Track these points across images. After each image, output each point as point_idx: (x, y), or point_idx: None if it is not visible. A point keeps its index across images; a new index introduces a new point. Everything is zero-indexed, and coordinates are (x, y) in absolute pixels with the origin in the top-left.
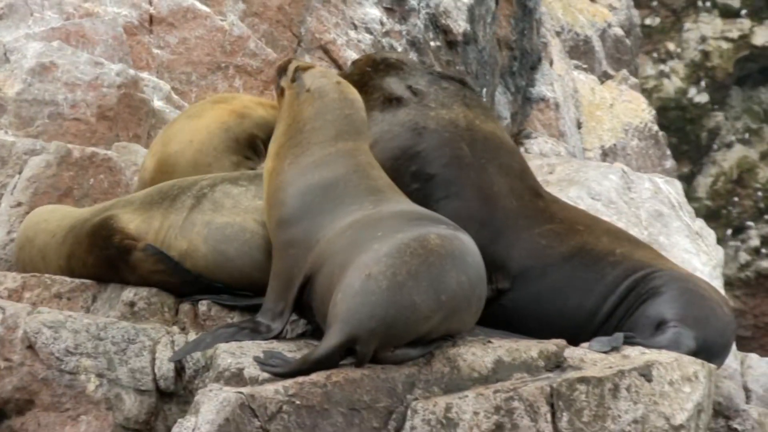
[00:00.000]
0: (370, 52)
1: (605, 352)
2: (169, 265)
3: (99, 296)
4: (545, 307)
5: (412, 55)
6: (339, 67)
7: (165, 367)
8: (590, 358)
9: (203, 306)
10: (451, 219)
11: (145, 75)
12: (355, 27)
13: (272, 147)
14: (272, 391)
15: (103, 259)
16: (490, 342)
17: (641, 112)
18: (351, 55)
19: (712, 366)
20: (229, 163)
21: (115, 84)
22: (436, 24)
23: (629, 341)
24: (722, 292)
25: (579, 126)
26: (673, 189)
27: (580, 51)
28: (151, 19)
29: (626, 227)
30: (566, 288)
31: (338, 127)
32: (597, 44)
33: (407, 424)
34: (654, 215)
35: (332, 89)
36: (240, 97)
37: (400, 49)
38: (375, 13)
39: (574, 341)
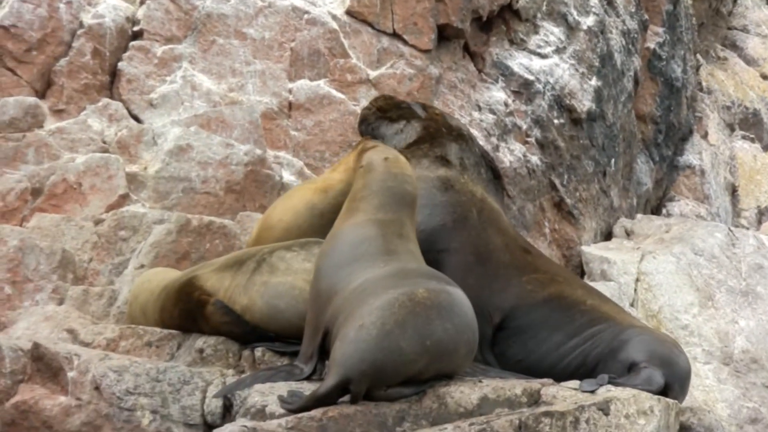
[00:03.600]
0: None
1: (592, 392)
2: (232, 317)
3: (183, 344)
4: (525, 340)
5: (536, 131)
6: None
7: (213, 404)
8: (562, 395)
9: (259, 352)
10: (450, 269)
11: (281, 153)
12: (480, 108)
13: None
14: (275, 424)
15: (186, 311)
16: (480, 381)
17: None
18: (474, 133)
19: (671, 401)
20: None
21: (242, 162)
22: (561, 104)
23: (613, 381)
24: None
25: (734, 190)
26: None
27: (749, 123)
28: (290, 106)
29: (725, 279)
30: (541, 325)
31: (381, 199)
32: (766, 117)
33: None
34: (754, 268)
35: (379, 164)
36: (325, 173)
37: (524, 127)
38: (500, 95)
39: (556, 378)
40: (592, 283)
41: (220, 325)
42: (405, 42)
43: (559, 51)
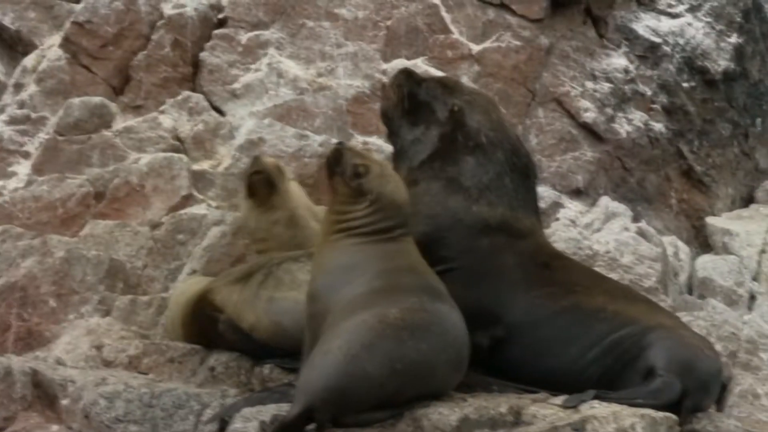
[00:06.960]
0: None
1: (573, 407)
2: (240, 336)
3: (206, 360)
4: (534, 358)
5: (661, 97)
6: (571, 116)
7: (207, 429)
8: (542, 414)
9: (266, 369)
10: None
11: (372, 139)
12: (594, 77)
13: (326, 227)
14: None
15: (201, 327)
16: (465, 400)
17: None
18: (585, 105)
19: (660, 415)
20: None
21: (317, 154)
22: (692, 66)
23: (602, 396)
24: None
25: None
26: None
27: None
28: (384, 87)
29: None
30: (552, 341)
31: (380, 227)
32: None
33: None
34: None
35: (387, 197)
36: None
37: (649, 93)
38: (621, 62)
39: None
40: (714, 257)
41: (232, 342)
42: (513, 12)
43: (693, 9)
